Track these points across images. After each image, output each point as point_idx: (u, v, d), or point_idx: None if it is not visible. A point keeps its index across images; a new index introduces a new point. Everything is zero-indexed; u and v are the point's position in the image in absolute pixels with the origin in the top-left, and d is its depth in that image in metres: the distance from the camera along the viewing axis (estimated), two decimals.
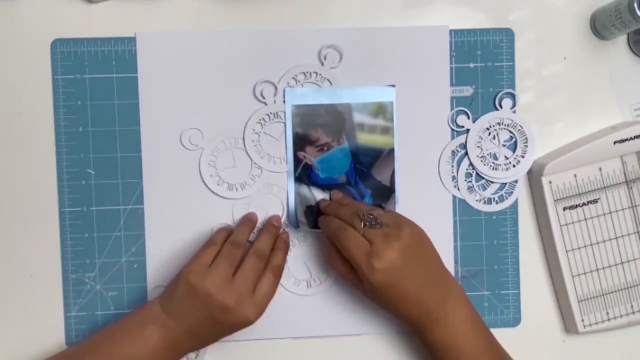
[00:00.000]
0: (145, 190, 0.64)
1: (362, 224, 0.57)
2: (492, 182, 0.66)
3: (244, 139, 0.64)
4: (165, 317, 0.57)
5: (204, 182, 0.64)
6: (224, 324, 0.57)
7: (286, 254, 0.63)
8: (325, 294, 0.65)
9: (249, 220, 0.64)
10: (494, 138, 0.66)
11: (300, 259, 0.65)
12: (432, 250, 0.59)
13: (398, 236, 0.56)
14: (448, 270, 0.60)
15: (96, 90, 0.63)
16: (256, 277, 0.59)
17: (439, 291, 0.58)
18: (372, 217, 0.58)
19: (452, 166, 0.66)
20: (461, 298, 0.59)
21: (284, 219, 0.65)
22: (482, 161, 0.65)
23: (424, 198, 0.65)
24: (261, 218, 0.65)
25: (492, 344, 0.59)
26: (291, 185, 0.64)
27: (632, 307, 0.65)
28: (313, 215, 0.65)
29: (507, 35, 0.65)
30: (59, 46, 0.63)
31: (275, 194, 0.65)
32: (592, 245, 0.65)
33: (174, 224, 0.64)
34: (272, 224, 0.64)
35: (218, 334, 0.59)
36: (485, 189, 0.66)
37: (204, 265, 0.58)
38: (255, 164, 0.64)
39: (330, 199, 0.64)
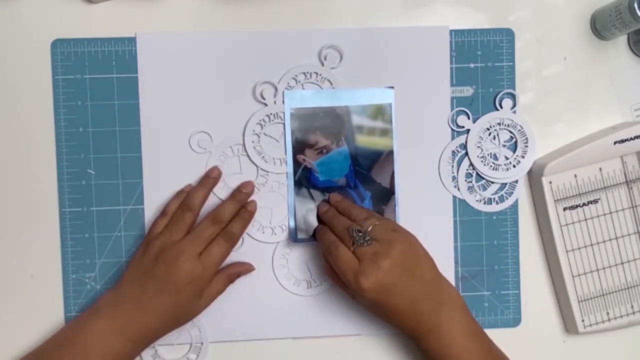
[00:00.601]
0: (145, 190, 0.64)
1: (351, 241, 0.57)
2: (492, 182, 0.66)
3: (243, 140, 0.64)
4: (112, 300, 0.58)
5: None
6: (168, 286, 0.57)
7: (247, 223, 0.62)
8: (326, 294, 0.65)
9: (206, 178, 0.63)
10: (494, 138, 0.66)
11: (300, 259, 0.65)
12: (425, 261, 0.58)
13: (387, 254, 0.56)
14: (444, 278, 0.60)
15: (96, 90, 0.63)
16: (205, 241, 0.59)
17: (432, 302, 0.57)
18: (360, 233, 0.57)
19: (452, 166, 0.66)
20: (457, 306, 0.58)
21: (284, 222, 0.65)
22: (482, 161, 0.65)
23: (424, 198, 0.65)
24: (265, 218, 0.64)
25: (491, 351, 0.59)
26: (291, 189, 0.64)
27: (632, 307, 0.65)
28: (313, 220, 0.64)
29: (507, 35, 0.65)
30: (59, 46, 0.63)
31: (276, 191, 0.65)
32: (592, 245, 0.65)
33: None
34: (240, 190, 0.63)
35: (165, 305, 0.58)
36: (485, 189, 0.66)
37: (153, 234, 0.61)
38: (261, 169, 0.64)
39: (329, 201, 0.64)
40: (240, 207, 0.62)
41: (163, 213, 0.62)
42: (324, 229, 0.61)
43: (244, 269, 0.63)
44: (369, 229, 0.57)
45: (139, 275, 0.59)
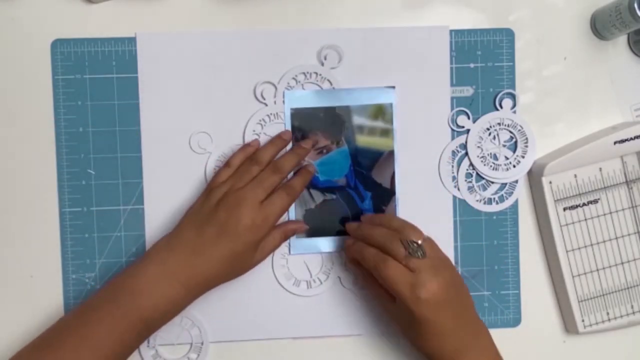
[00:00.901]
0: (145, 190, 0.64)
1: (406, 252, 0.56)
2: (492, 182, 0.66)
3: (243, 140, 0.64)
4: (165, 245, 0.58)
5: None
6: (228, 231, 0.57)
7: (306, 182, 0.62)
8: (326, 294, 0.65)
9: (278, 138, 0.63)
10: (494, 138, 0.66)
11: (300, 259, 0.65)
12: (466, 288, 0.59)
13: (445, 269, 0.56)
14: (475, 310, 0.59)
15: (96, 90, 0.63)
16: (266, 190, 0.59)
17: (471, 329, 0.57)
18: (415, 245, 0.56)
19: (452, 166, 0.66)
20: (488, 336, 0.59)
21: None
22: (482, 161, 0.65)
23: (424, 198, 0.65)
24: None
25: None
26: None
27: (632, 307, 0.65)
28: (313, 220, 0.65)
29: (507, 35, 0.65)
30: (59, 46, 0.63)
31: None
32: (592, 245, 0.65)
33: (174, 224, 0.64)
34: (300, 146, 0.63)
35: (222, 250, 0.57)
36: (485, 189, 0.66)
37: (216, 183, 0.60)
38: None
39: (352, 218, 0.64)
40: (299, 160, 0.62)
41: (227, 164, 0.62)
42: (360, 243, 0.60)
43: (299, 226, 0.63)
44: (420, 242, 0.57)
45: (198, 221, 0.58)
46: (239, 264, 0.59)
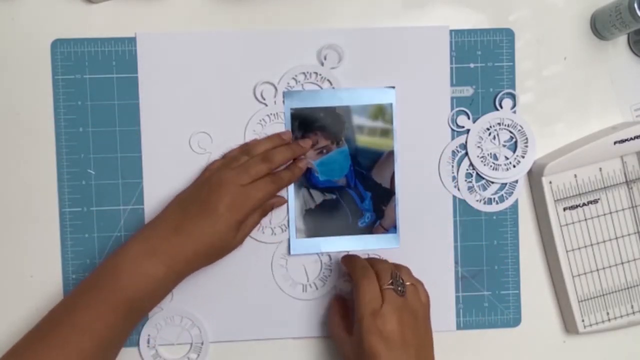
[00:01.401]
0: (145, 190, 0.64)
1: (390, 281, 0.56)
2: (492, 182, 0.66)
3: (244, 140, 0.64)
4: (150, 225, 0.58)
5: None
6: (209, 209, 0.57)
7: (295, 177, 0.63)
8: (325, 297, 0.65)
9: (276, 135, 0.64)
10: (494, 138, 0.66)
11: (300, 259, 0.65)
12: (431, 354, 0.57)
13: (412, 316, 0.56)
14: None
15: (96, 90, 0.63)
16: (251, 176, 0.59)
17: None
18: (401, 281, 0.57)
19: (452, 166, 0.66)
20: None
21: (284, 222, 0.65)
22: (482, 161, 0.65)
23: (424, 198, 0.65)
24: (265, 218, 0.64)
25: None
26: (290, 188, 0.64)
27: (632, 307, 0.65)
28: (312, 220, 0.65)
29: (507, 35, 0.65)
30: (59, 46, 0.63)
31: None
32: (592, 245, 0.65)
33: None
34: (298, 143, 0.64)
35: (202, 228, 0.57)
36: (485, 189, 0.66)
37: (207, 169, 0.62)
38: None
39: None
40: (292, 156, 0.62)
41: (222, 157, 0.63)
42: (356, 256, 0.62)
43: (278, 201, 0.63)
44: (408, 283, 0.57)
45: (183, 200, 0.59)
46: (219, 244, 0.58)
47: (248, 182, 0.59)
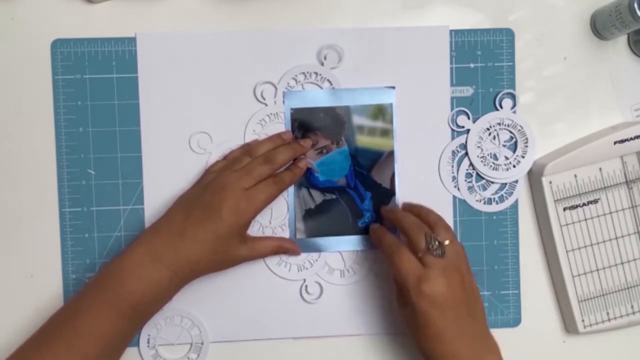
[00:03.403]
0: (145, 190, 0.64)
1: (426, 246, 0.56)
2: (492, 182, 0.66)
3: (243, 140, 0.64)
4: (154, 228, 0.58)
5: None
6: (212, 212, 0.57)
7: (296, 177, 0.62)
8: (323, 299, 0.65)
9: (278, 136, 0.63)
10: (494, 138, 0.66)
11: (299, 260, 0.65)
12: (482, 305, 0.58)
13: (457, 274, 0.55)
14: (489, 330, 0.58)
15: (96, 90, 0.63)
16: (254, 179, 0.59)
17: (475, 347, 0.55)
18: (437, 243, 0.56)
19: (452, 166, 0.66)
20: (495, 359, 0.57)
21: (284, 222, 0.65)
22: (482, 161, 0.65)
23: (424, 198, 0.65)
24: (265, 218, 0.64)
25: None
26: (290, 188, 0.64)
27: (632, 307, 0.65)
28: (312, 220, 0.65)
29: (507, 35, 0.65)
30: (59, 46, 0.63)
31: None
32: (592, 245, 0.65)
33: None
34: (298, 143, 0.63)
35: (205, 232, 0.56)
36: (485, 189, 0.66)
37: (209, 171, 0.62)
38: None
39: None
40: (293, 155, 0.62)
41: (223, 158, 0.63)
42: (381, 229, 0.61)
43: (293, 249, 0.63)
44: (446, 242, 0.56)
45: (186, 204, 0.59)
46: (223, 250, 0.58)
47: (251, 184, 0.58)
